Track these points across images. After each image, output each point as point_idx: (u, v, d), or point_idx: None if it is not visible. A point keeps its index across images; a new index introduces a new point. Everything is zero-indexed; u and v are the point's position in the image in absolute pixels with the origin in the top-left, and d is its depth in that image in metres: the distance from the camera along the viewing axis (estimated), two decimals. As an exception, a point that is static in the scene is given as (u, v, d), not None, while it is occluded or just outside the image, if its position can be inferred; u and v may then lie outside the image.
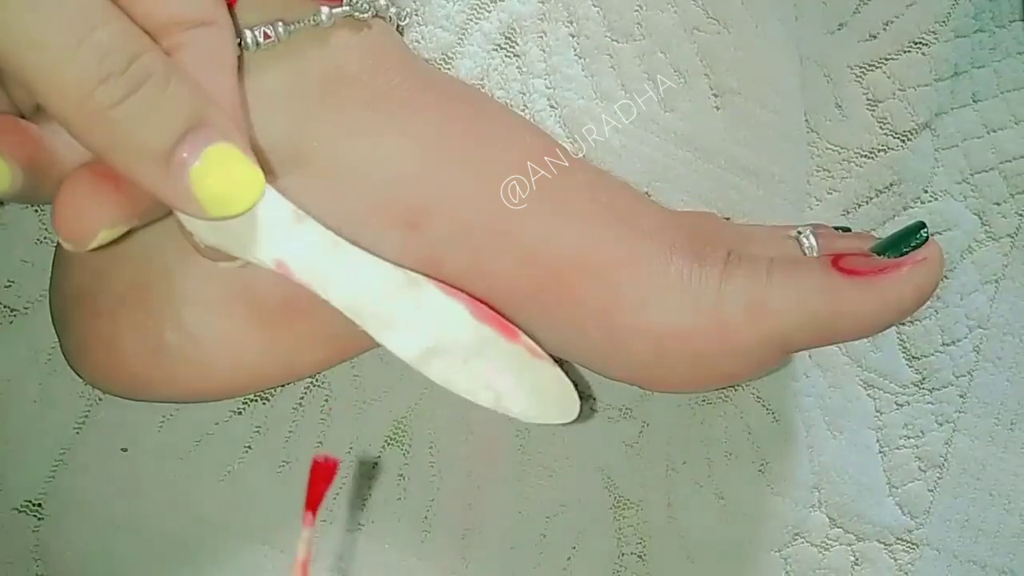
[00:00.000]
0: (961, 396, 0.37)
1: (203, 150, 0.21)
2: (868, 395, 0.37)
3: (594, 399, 0.34)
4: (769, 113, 0.35)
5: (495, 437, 0.34)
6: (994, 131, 0.38)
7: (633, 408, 0.35)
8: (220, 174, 0.21)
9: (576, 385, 0.26)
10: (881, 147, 0.37)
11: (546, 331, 0.29)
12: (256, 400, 0.33)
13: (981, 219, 0.38)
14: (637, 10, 0.34)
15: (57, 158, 0.23)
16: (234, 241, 0.24)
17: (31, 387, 0.32)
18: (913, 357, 0.37)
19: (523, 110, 0.33)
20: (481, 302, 0.26)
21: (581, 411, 0.34)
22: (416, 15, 0.32)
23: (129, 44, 0.20)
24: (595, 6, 0.34)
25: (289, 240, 0.24)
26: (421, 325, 0.25)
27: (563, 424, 0.26)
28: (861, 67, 0.37)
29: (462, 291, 0.26)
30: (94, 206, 0.22)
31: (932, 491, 0.37)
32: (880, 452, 0.37)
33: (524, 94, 0.33)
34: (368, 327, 0.25)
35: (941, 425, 0.37)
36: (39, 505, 0.32)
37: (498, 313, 0.26)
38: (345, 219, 0.27)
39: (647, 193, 0.34)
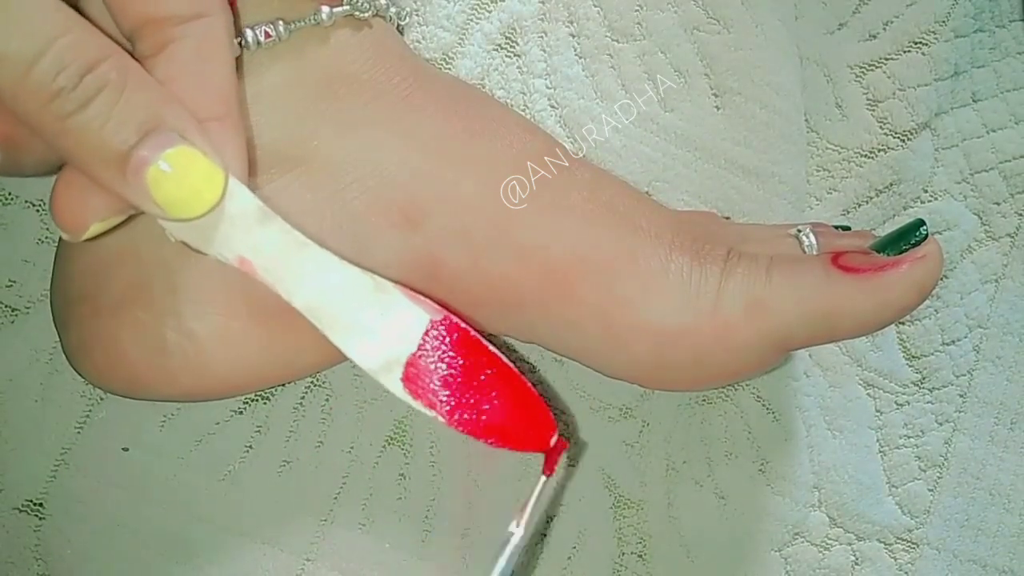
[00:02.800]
0: (961, 396, 0.37)
1: (159, 154, 0.22)
2: (868, 395, 0.37)
3: (594, 399, 0.34)
4: (769, 113, 0.35)
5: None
6: (994, 131, 0.38)
7: (633, 408, 0.35)
8: (177, 178, 0.22)
9: (554, 411, 0.26)
10: (881, 147, 0.37)
11: (546, 330, 0.29)
12: (257, 400, 0.33)
13: (981, 219, 0.38)
14: (637, 10, 0.34)
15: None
16: (200, 236, 0.24)
17: (32, 386, 0.32)
18: (913, 357, 0.37)
19: (523, 110, 0.33)
20: (455, 314, 0.25)
21: (577, 416, 0.34)
22: (416, 15, 0.32)
23: (85, 54, 0.21)
24: (595, 6, 0.34)
25: (253, 238, 0.24)
26: (384, 334, 0.25)
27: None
28: (861, 67, 0.37)
29: (436, 302, 0.25)
30: (90, 195, 0.23)
31: (932, 491, 0.37)
32: (880, 452, 0.37)
33: (524, 94, 0.33)
34: (329, 332, 0.24)
35: (941, 425, 0.37)
36: (40, 504, 0.32)
37: (472, 326, 0.25)
38: (345, 217, 0.27)
39: (647, 193, 0.34)
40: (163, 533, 0.32)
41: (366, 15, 0.27)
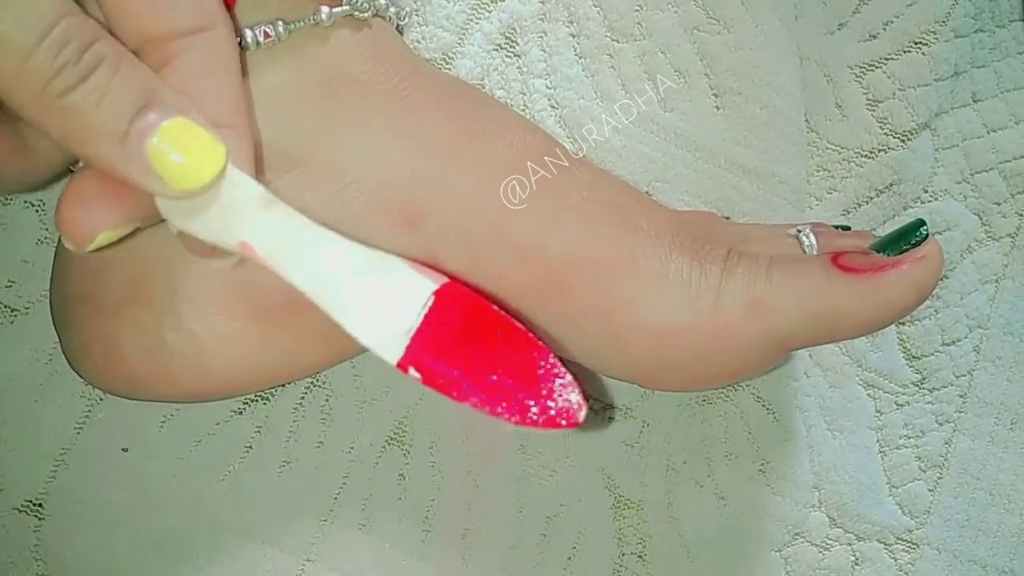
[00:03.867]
0: (961, 396, 0.37)
1: (159, 125, 0.22)
2: (868, 395, 0.37)
3: (594, 399, 0.34)
4: (769, 113, 0.35)
5: (495, 437, 0.34)
6: (994, 131, 0.38)
7: (633, 408, 0.35)
8: (178, 146, 0.22)
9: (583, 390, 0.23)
10: (881, 147, 0.37)
11: (546, 329, 0.29)
12: (257, 400, 0.33)
13: (981, 219, 0.38)
14: (637, 10, 0.34)
15: (33, 148, 0.24)
16: (202, 224, 0.24)
17: (32, 387, 0.32)
18: (913, 357, 0.37)
19: (523, 110, 0.33)
20: (468, 288, 0.24)
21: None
22: (416, 15, 0.32)
23: (83, 34, 0.21)
24: (595, 6, 0.34)
25: (255, 221, 0.24)
26: (387, 307, 0.23)
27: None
28: (861, 67, 0.37)
29: (445, 274, 0.24)
30: (97, 207, 0.23)
31: (932, 491, 0.37)
32: (880, 452, 0.37)
33: (524, 94, 0.33)
34: (331, 310, 0.23)
35: (941, 425, 0.37)
36: (40, 505, 0.32)
37: (488, 299, 0.24)
38: (344, 217, 0.27)
39: (647, 193, 0.34)
40: (163, 533, 0.32)
41: (366, 15, 0.27)
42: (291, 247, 0.24)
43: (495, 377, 0.23)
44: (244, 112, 0.24)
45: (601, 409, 0.35)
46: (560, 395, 0.23)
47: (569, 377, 0.23)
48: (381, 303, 0.23)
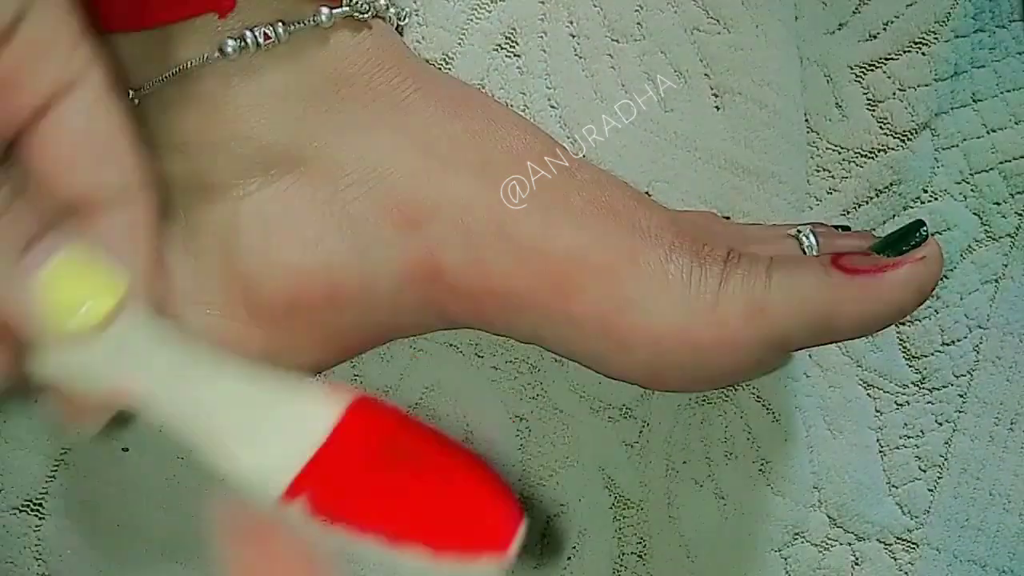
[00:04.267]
0: (961, 396, 0.37)
1: (50, 259, 0.21)
2: (868, 395, 0.37)
3: (594, 399, 0.35)
4: (769, 113, 0.35)
5: (495, 437, 0.34)
6: (994, 131, 0.38)
7: (633, 408, 0.35)
8: (70, 282, 0.21)
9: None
10: (881, 147, 0.37)
11: (546, 330, 0.29)
12: (256, 400, 0.33)
13: (981, 219, 0.38)
14: (637, 10, 0.34)
15: None
16: (81, 370, 0.22)
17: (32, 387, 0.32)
18: (913, 357, 0.37)
19: (523, 110, 0.33)
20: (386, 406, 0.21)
21: (577, 416, 0.34)
22: (416, 15, 0.32)
23: None
24: (595, 6, 0.34)
25: (143, 358, 0.22)
26: (279, 442, 0.21)
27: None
28: (861, 67, 0.37)
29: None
30: None
31: (932, 491, 0.37)
32: (880, 452, 0.37)
33: (524, 94, 0.33)
34: (213, 450, 0.21)
35: (941, 425, 0.37)
36: (40, 504, 0.32)
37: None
38: (345, 218, 0.27)
39: (647, 193, 0.34)
40: (163, 533, 0.32)
41: (366, 16, 0.27)
42: (179, 384, 0.22)
43: (406, 505, 0.20)
44: (153, 280, 0.24)
45: (601, 409, 0.35)
46: (489, 518, 0.20)
47: (503, 490, 0.20)
48: (272, 434, 0.21)
